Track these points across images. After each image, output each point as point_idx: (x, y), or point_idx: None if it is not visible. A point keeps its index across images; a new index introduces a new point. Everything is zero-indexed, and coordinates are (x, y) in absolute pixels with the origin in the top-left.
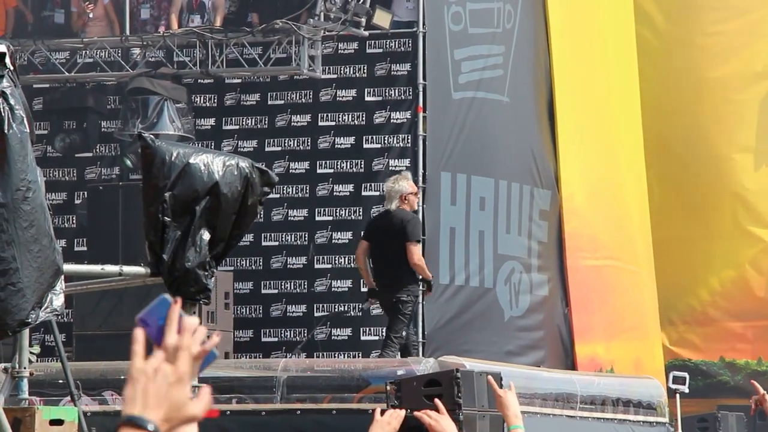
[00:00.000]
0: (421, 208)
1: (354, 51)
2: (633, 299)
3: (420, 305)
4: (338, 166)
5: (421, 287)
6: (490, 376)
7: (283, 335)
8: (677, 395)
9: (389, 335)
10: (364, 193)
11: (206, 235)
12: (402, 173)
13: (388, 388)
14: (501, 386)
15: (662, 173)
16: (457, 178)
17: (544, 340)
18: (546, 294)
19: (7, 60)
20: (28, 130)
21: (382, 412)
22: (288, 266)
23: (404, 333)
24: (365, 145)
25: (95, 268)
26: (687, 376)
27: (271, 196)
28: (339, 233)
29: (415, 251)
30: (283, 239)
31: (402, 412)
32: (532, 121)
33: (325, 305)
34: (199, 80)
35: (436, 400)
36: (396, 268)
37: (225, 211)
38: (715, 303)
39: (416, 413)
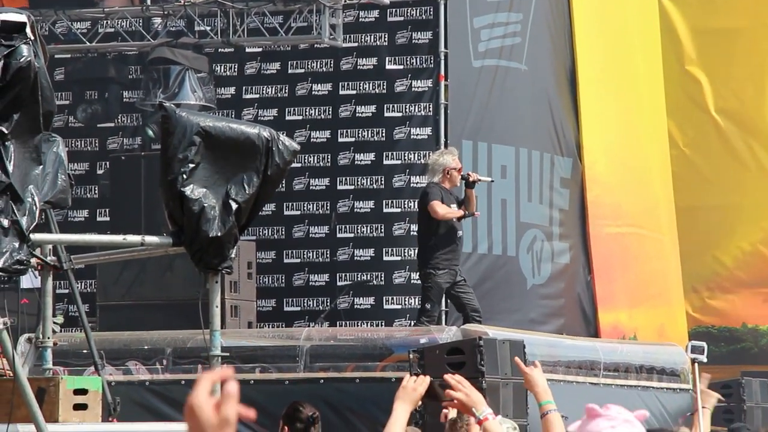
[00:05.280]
0: None
1: (375, 19)
2: (656, 266)
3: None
4: (359, 135)
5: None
6: (517, 358)
7: (305, 304)
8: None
9: (419, 318)
10: (385, 162)
11: (228, 205)
12: (449, 148)
13: (411, 356)
14: (525, 354)
15: (686, 139)
16: (478, 147)
17: (565, 308)
18: (567, 262)
19: (28, 30)
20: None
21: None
22: (310, 235)
23: (435, 310)
24: (386, 114)
25: (117, 238)
26: (705, 346)
27: (292, 165)
28: (361, 202)
29: (436, 208)
30: (305, 208)
31: (427, 379)
32: (552, 89)
33: (347, 274)
34: (219, 49)
35: (456, 376)
36: (420, 244)
37: (247, 180)
38: (738, 269)
39: (447, 378)
